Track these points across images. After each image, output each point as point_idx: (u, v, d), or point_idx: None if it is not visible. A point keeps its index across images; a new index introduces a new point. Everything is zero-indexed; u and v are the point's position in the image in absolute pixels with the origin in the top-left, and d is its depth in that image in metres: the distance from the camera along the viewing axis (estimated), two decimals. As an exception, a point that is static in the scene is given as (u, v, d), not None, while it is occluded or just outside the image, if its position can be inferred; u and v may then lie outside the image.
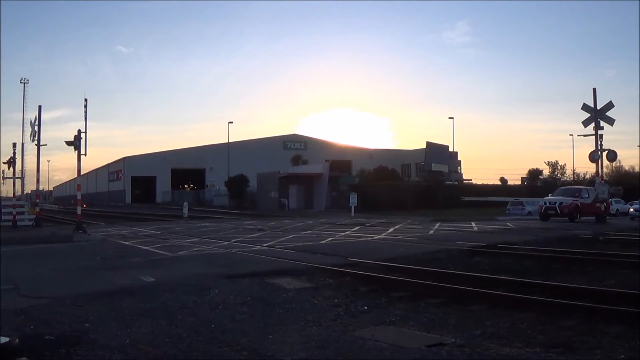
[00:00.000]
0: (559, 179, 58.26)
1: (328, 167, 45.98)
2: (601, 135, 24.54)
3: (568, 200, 26.20)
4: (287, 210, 41.53)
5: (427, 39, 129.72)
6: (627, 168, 60.86)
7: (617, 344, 5.37)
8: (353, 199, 32.63)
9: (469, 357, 5.00)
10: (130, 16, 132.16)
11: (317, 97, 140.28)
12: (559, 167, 61.96)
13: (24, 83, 31.47)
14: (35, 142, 24.53)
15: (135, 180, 77.29)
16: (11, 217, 24.10)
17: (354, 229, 21.46)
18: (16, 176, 29.41)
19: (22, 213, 25.00)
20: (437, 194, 44.21)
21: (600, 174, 25.55)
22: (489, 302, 7.22)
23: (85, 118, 20.85)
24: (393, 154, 76.72)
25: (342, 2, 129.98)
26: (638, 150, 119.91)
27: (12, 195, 29.35)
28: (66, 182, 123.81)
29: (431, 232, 19.80)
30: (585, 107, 24.88)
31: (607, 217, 25.86)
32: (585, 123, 24.85)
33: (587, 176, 51.48)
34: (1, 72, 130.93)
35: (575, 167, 70.20)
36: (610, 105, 24.53)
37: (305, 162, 61.37)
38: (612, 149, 25.28)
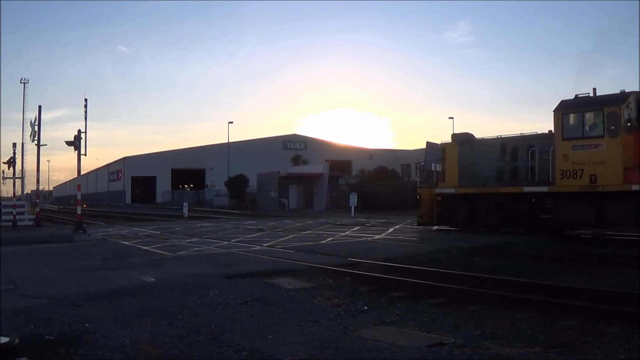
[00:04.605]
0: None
1: (328, 167, 45.95)
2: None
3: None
4: (287, 210, 41.51)
5: (428, 38, 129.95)
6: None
7: (617, 344, 5.38)
8: (353, 199, 32.61)
9: (469, 357, 5.00)
10: (131, 16, 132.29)
11: (317, 97, 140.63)
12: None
13: (24, 83, 31.62)
14: (35, 142, 24.56)
15: (135, 180, 77.34)
16: (11, 217, 24.11)
17: (354, 229, 21.44)
18: (16, 176, 29.50)
19: (22, 213, 25.00)
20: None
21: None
22: (489, 302, 7.22)
23: (85, 118, 20.88)
24: (393, 154, 76.68)
25: (343, 2, 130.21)
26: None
27: (12, 195, 29.39)
28: (66, 182, 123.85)
29: (431, 232, 19.78)
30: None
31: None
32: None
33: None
34: (1, 72, 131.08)
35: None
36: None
37: (305, 162, 61.37)
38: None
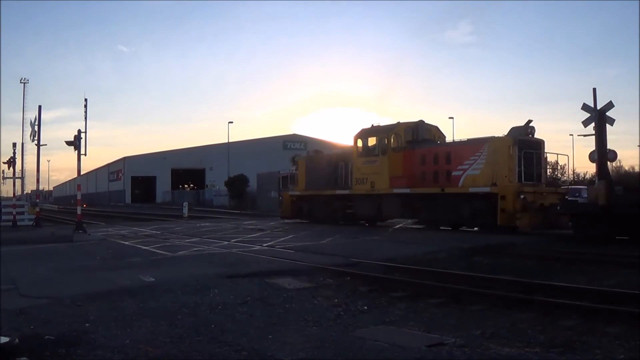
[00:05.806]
0: (559, 179, 58.09)
1: (328, 167, 45.94)
2: (601, 135, 24.56)
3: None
4: (287, 210, 41.46)
5: (429, 38, 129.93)
6: (627, 168, 60.50)
7: (617, 344, 5.38)
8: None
9: (469, 357, 5.00)
10: (131, 16, 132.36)
11: (317, 97, 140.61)
12: (559, 167, 61.73)
13: (24, 83, 31.50)
14: (35, 142, 24.55)
15: (135, 180, 77.40)
16: (11, 217, 24.10)
17: (354, 228, 21.44)
18: (16, 176, 29.45)
19: (22, 213, 24.99)
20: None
21: (600, 174, 25.52)
22: (489, 302, 7.22)
23: (85, 118, 20.90)
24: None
25: (343, 2, 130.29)
26: (638, 150, 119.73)
27: (12, 195, 29.35)
28: (66, 182, 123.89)
29: (431, 232, 19.76)
30: (585, 107, 24.82)
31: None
32: (585, 123, 24.78)
33: (587, 176, 51.30)
34: (1, 72, 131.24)
35: (575, 167, 70.18)
36: (610, 105, 24.43)
37: (305, 162, 61.29)
38: (612, 148, 25.21)
